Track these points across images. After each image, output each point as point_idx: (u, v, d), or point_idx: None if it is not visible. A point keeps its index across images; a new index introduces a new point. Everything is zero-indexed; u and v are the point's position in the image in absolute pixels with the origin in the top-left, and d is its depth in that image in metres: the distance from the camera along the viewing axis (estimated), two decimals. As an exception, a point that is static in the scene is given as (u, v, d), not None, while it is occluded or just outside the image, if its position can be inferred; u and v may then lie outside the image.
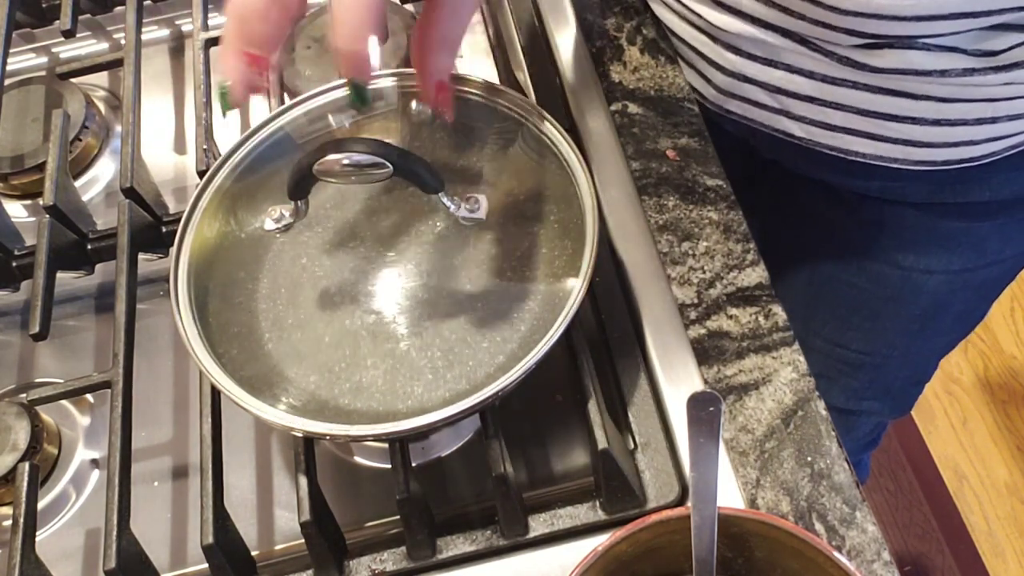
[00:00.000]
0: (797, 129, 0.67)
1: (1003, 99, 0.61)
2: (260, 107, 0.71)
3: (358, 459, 0.56)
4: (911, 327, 0.82)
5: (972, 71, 0.58)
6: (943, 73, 0.58)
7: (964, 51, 0.57)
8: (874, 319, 0.81)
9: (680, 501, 0.51)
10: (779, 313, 0.57)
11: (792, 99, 0.65)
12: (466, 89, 0.55)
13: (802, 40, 0.60)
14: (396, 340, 0.52)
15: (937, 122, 0.62)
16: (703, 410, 0.44)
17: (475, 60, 0.71)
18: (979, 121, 0.62)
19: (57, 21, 0.71)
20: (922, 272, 0.76)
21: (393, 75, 0.56)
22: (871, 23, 0.56)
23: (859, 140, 0.65)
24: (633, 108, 0.66)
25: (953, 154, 0.65)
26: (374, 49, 0.42)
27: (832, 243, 0.80)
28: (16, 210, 0.69)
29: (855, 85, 0.62)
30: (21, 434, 0.55)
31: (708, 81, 0.68)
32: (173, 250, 0.52)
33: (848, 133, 0.65)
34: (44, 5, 0.77)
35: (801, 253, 0.82)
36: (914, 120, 0.63)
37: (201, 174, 0.60)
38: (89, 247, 0.62)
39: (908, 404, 0.97)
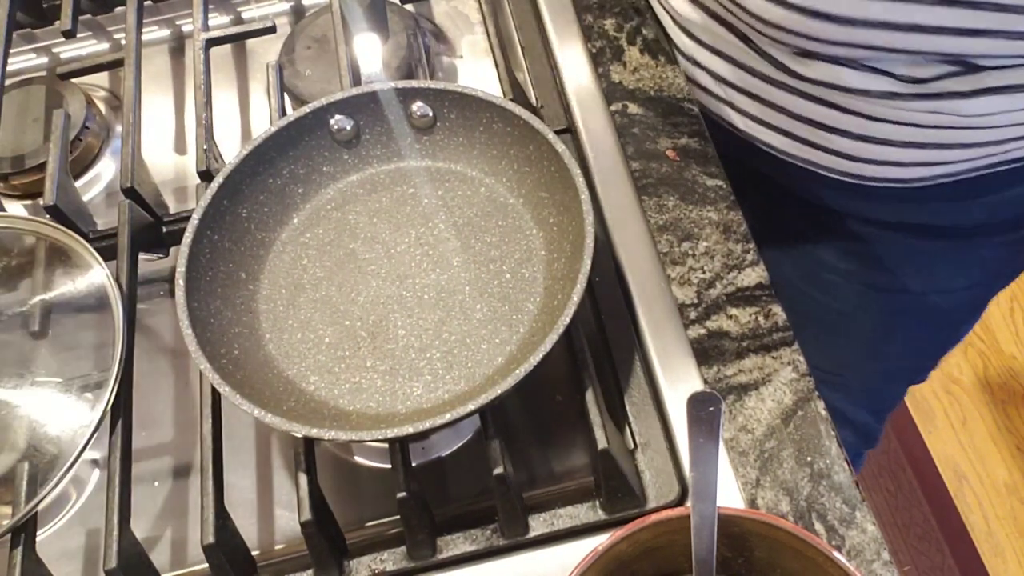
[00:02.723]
0: (740, 122, 0.68)
1: (930, 127, 0.60)
2: (260, 108, 0.71)
3: (358, 459, 0.56)
4: (862, 348, 0.82)
5: (895, 95, 0.58)
6: (866, 92, 0.58)
7: (892, 75, 0.57)
8: (829, 333, 0.81)
9: (680, 501, 0.51)
10: (779, 313, 0.57)
11: (736, 92, 0.66)
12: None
13: (744, 38, 0.61)
14: (395, 341, 0.52)
15: (863, 138, 0.62)
16: (703, 410, 0.44)
17: (475, 60, 0.71)
18: (905, 144, 0.62)
19: (58, 21, 0.70)
20: (868, 287, 0.76)
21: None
22: (797, 39, 0.56)
23: (794, 144, 0.66)
24: (633, 108, 0.66)
25: (880, 172, 0.65)
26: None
27: (795, 249, 0.80)
28: (16, 210, 0.69)
29: (792, 90, 0.62)
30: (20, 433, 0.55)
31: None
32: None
33: (784, 135, 0.66)
34: (45, 5, 0.77)
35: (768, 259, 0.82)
36: (841, 132, 0.63)
37: (201, 174, 0.60)
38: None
39: (872, 437, 0.97)
